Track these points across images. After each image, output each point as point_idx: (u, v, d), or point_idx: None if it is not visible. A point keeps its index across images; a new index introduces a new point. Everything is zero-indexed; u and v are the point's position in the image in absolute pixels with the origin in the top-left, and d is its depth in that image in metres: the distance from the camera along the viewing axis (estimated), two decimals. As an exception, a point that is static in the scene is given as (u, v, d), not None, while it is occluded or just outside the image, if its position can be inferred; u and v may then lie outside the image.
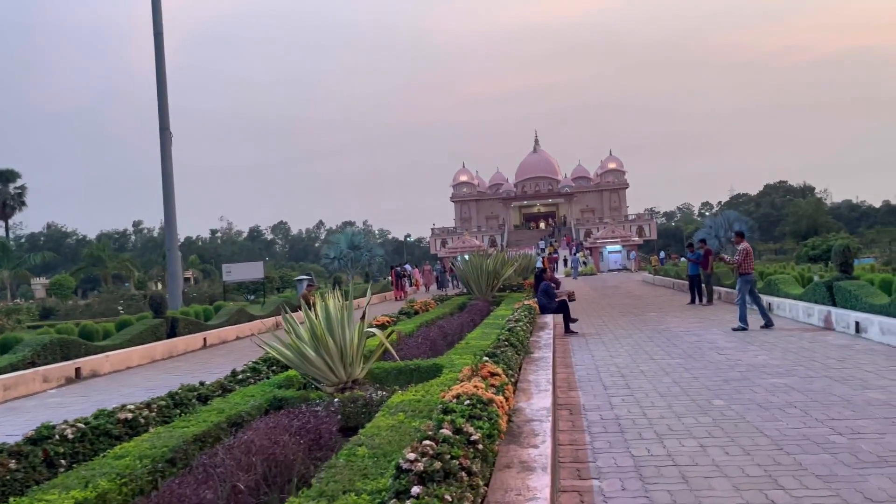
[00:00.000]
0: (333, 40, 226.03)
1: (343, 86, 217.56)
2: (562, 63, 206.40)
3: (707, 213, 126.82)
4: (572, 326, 13.78)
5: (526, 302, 12.22)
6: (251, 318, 19.19)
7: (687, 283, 20.51)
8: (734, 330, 12.62)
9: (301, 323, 5.93)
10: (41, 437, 3.98)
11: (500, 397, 3.95)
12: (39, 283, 66.05)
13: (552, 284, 17.06)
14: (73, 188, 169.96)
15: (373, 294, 31.82)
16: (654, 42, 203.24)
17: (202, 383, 5.26)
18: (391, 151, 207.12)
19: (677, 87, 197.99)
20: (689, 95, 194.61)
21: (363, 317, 5.68)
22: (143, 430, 4.34)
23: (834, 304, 12.65)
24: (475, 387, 3.90)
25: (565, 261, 57.00)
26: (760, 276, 18.63)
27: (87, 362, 11.82)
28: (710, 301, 19.06)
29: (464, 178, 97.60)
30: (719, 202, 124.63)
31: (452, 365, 5.82)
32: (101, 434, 4.21)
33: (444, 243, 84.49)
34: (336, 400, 4.82)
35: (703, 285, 19.25)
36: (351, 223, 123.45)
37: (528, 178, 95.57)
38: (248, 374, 5.79)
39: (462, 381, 4.51)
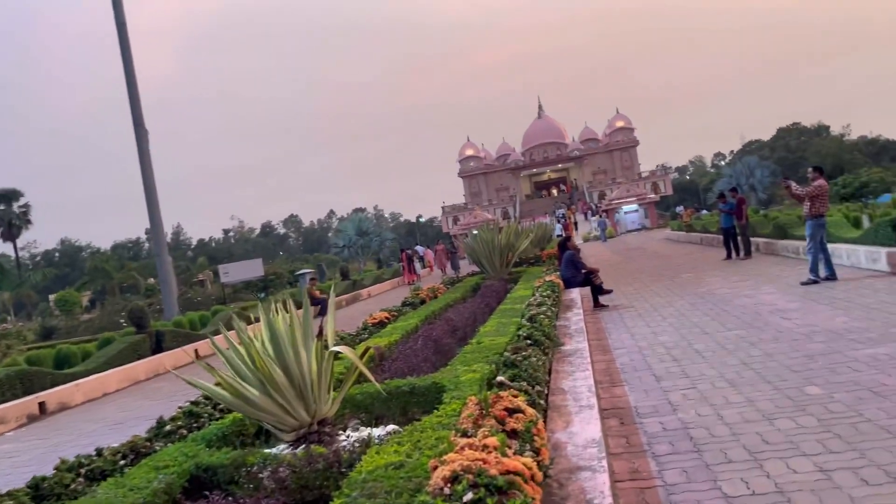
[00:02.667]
0: (326, 27, 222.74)
1: (342, 73, 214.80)
2: (564, 28, 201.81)
3: (721, 164, 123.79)
4: (602, 299, 12.13)
5: (547, 278, 10.55)
6: (250, 321, 17.68)
7: (721, 237, 18.69)
8: (803, 284, 10.88)
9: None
10: None
11: (523, 463, 2.32)
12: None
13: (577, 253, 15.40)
14: (86, 202, 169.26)
15: (385, 280, 30.30)
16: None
17: (99, 453, 3.69)
18: (398, 134, 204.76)
19: (679, 41, 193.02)
20: (693, 49, 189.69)
21: (320, 332, 4.06)
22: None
23: (904, 245, 10.87)
24: (482, 454, 2.28)
25: (576, 225, 55.16)
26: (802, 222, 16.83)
27: (53, 395, 10.38)
28: (748, 254, 17.29)
29: (470, 151, 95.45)
30: (731, 151, 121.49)
31: (457, 384, 4.21)
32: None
33: (455, 220, 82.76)
34: (283, 467, 3.22)
35: (739, 238, 17.47)
36: (361, 209, 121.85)
37: (536, 146, 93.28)
38: (180, 424, 4.21)
39: (464, 426, 2.89)
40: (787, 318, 8.43)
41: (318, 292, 21.15)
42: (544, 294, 8.64)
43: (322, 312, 20.52)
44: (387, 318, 8.69)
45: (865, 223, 17.32)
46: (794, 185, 11.35)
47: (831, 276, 10.96)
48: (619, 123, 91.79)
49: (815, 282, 10.82)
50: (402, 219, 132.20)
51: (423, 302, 10.81)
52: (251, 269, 22.57)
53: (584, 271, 12.31)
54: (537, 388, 4.22)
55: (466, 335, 7.18)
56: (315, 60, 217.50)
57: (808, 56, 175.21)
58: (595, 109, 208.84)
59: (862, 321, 7.52)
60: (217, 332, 15.52)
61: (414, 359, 5.38)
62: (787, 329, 7.74)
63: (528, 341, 5.27)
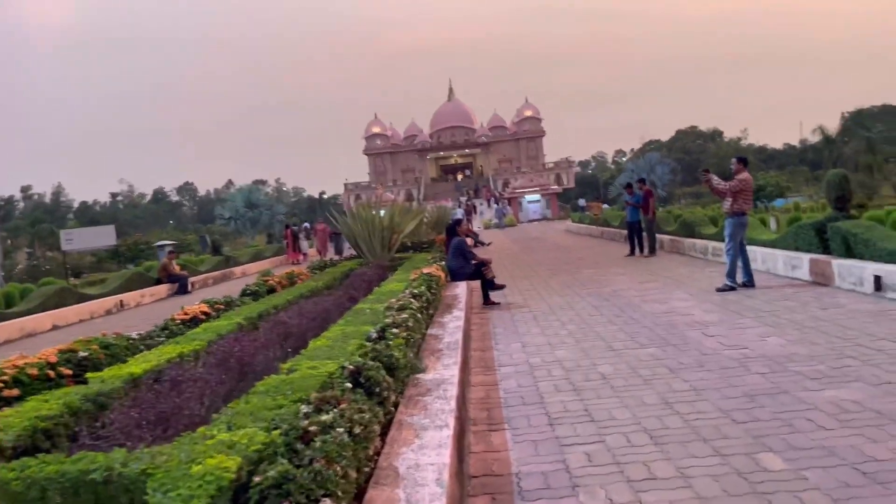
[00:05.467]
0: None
1: (260, 50, 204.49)
2: (478, 18, 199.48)
3: (622, 160, 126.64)
4: (494, 296, 10.39)
5: (425, 270, 8.62)
6: (81, 298, 14.83)
7: (625, 231, 17.45)
8: (719, 290, 9.51)
9: None
10: None
11: None
12: None
13: (468, 240, 13.62)
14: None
15: (266, 257, 27.64)
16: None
17: None
18: (307, 113, 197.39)
19: (588, 38, 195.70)
20: (601, 47, 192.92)
21: None
22: None
23: (826, 252, 9.70)
24: None
25: (475, 209, 54.06)
26: (712, 223, 15.80)
27: None
28: (652, 252, 16.10)
29: (376, 129, 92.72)
30: (632, 149, 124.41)
31: (175, 486, 2.16)
32: None
33: (357, 198, 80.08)
34: None
35: (645, 233, 16.25)
36: (262, 182, 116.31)
37: (444, 128, 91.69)
38: None
39: None
40: (710, 334, 6.90)
41: (177, 268, 18.42)
42: (417, 290, 6.71)
43: (181, 290, 17.84)
44: (205, 313, 6.51)
45: (772, 225, 16.53)
46: (715, 178, 9.95)
47: (749, 283, 9.67)
48: (528, 113, 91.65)
49: (732, 288, 9.48)
50: (304, 194, 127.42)
51: (271, 291, 8.66)
52: (101, 236, 19.44)
53: (474, 262, 10.51)
54: (344, 482, 2.26)
55: (298, 347, 5.13)
56: (228, 33, 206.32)
57: (711, 66, 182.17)
58: (505, 100, 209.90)
59: (801, 345, 6.05)
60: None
61: (163, 403, 3.28)
62: (712, 351, 6.17)
63: (359, 377, 3.30)
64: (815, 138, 45.51)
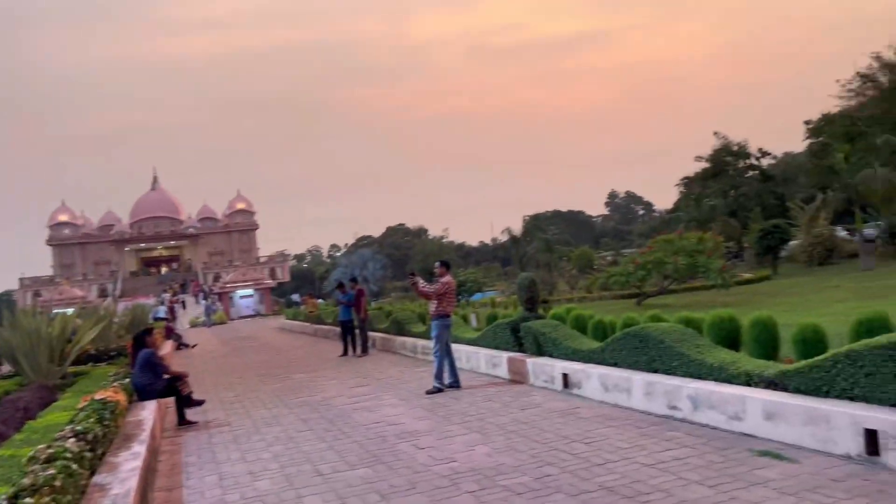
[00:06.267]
0: None
1: None
2: (180, 104, 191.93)
3: (337, 255, 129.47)
4: (191, 414, 9.17)
5: (99, 395, 7.20)
6: None
7: (339, 329, 17.17)
8: (429, 393, 9.50)
9: None
10: None
11: None
12: None
13: (168, 344, 12.11)
14: None
15: None
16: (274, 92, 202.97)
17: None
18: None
19: (299, 134, 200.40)
20: (311, 143, 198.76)
21: None
22: None
23: (521, 350, 10.36)
24: None
25: (185, 305, 50.46)
26: (421, 320, 16.25)
27: None
28: (365, 351, 16.01)
29: (64, 217, 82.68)
30: (346, 244, 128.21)
31: None
32: None
33: (37, 295, 69.51)
34: None
35: (358, 332, 16.14)
36: None
37: (147, 218, 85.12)
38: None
39: None
40: (420, 445, 6.68)
41: None
42: (83, 426, 5.45)
43: None
44: None
45: (473, 321, 17.55)
46: (420, 281, 10.19)
47: (455, 384, 9.86)
48: (240, 205, 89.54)
49: (440, 390, 9.57)
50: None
51: None
52: None
53: (166, 377, 9.22)
54: None
55: None
56: None
57: (418, 166, 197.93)
58: (216, 191, 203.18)
59: (507, 454, 6.08)
60: None
61: None
62: (423, 467, 5.91)
63: None
64: (504, 238, 51.06)
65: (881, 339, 5.02)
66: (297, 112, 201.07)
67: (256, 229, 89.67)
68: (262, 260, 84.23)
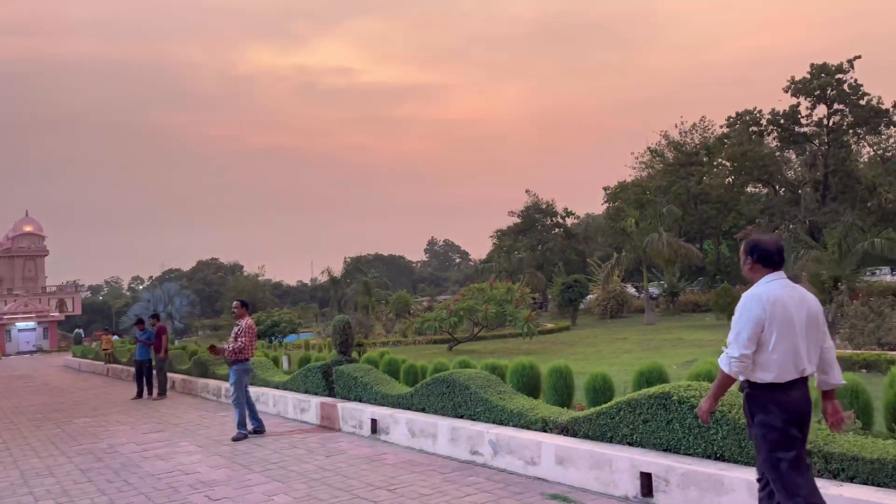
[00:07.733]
0: None
1: None
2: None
3: (139, 288, 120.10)
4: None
5: None
6: None
7: (133, 369, 15.81)
8: (235, 440, 8.97)
9: None
10: None
11: None
12: None
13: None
14: None
15: None
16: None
17: None
18: None
19: (106, 157, 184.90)
20: (119, 168, 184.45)
21: None
22: None
23: (332, 394, 10.20)
24: None
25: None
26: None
27: None
28: (162, 394, 14.85)
29: None
30: (150, 277, 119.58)
31: None
32: None
33: None
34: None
35: (156, 373, 14.96)
36: None
37: None
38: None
39: None
40: (214, 497, 6.27)
41: None
42: None
43: None
44: None
45: (285, 364, 17.03)
46: (220, 347, 9.99)
47: (259, 430, 9.45)
48: (28, 228, 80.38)
49: (245, 436, 9.10)
50: None
51: None
52: None
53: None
54: None
55: None
56: None
57: (233, 201, 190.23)
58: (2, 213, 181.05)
59: (308, 503, 5.88)
60: None
61: None
62: (216, 521, 5.54)
63: None
64: (324, 278, 50.48)
65: (655, 388, 5.57)
66: (106, 132, 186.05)
67: (46, 255, 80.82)
68: (49, 290, 75.82)
